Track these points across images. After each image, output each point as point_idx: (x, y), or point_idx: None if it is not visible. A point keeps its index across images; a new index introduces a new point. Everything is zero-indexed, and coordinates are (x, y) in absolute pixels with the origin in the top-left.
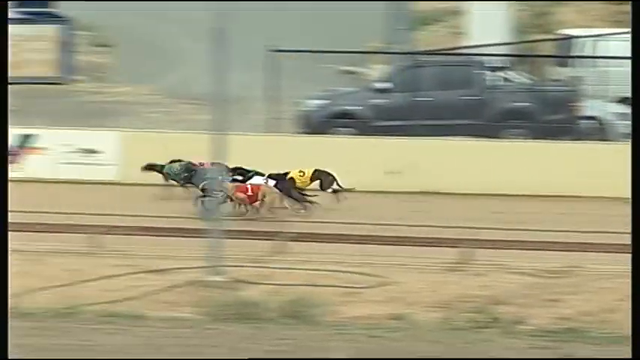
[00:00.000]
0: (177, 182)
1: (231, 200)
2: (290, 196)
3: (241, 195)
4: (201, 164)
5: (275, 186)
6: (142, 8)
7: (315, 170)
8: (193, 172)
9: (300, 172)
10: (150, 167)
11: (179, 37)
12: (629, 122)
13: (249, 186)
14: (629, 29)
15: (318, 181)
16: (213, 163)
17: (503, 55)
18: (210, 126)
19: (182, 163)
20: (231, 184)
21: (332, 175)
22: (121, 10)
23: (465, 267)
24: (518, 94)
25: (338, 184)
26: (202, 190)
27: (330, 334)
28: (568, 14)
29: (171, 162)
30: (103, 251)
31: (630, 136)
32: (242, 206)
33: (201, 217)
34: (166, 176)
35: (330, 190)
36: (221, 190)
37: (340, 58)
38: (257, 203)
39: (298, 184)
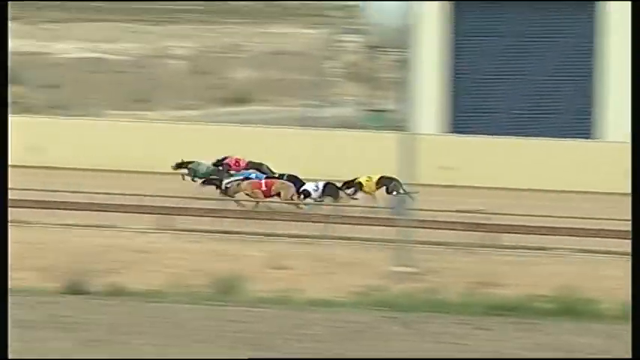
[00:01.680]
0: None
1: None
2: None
3: (257, 190)
4: (237, 163)
5: (323, 190)
6: None
7: (381, 177)
8: (220, 172)
9: (368, 177)
10: (179, 166)
11: None
12: None
13: (263, 181)
14: None
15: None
16: (249, 163)
17: None
18: None
19: (209, 164)
20: (247, 181)
21: (396, 180)
22: None
23: None
24: None
25: (403, 189)
26: (226, 188)
27: None
28: None
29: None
30: None
31: (631, 136)
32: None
33: None
34: (191, 174)
35: (394, 194)
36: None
37: None
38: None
39: (365, 188)
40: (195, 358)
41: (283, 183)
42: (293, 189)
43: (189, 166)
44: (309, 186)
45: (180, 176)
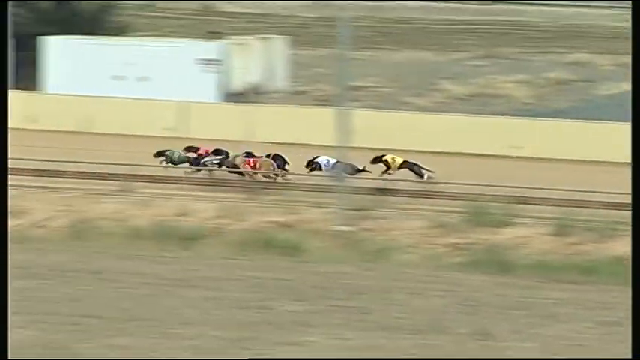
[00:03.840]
0: (174, 165)
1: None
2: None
3: (247, 167)
4: (207, 151)
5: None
6: None
7: (404, 162)
8: (192, 158)
9: (392, 158)
10: (159, 154)
11: None
12: None
13: (251, 160)
14: None
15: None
16: (215, 150)
17: None
18: None
19: (180, 152)
20: (241, 159)
21: (417, 165)
22: None
23: None
24: None
25: (425, 169)
26: (203, 165)
27: None
28: None
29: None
30: None
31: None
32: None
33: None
34: (167, 160)
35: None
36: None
37: None
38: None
39: (390, 164)
40: (189, 358)
41: (265, 161)
42: (274, 165)
43: (166, 153)
44: (321, 160)
45: (160, 162)
